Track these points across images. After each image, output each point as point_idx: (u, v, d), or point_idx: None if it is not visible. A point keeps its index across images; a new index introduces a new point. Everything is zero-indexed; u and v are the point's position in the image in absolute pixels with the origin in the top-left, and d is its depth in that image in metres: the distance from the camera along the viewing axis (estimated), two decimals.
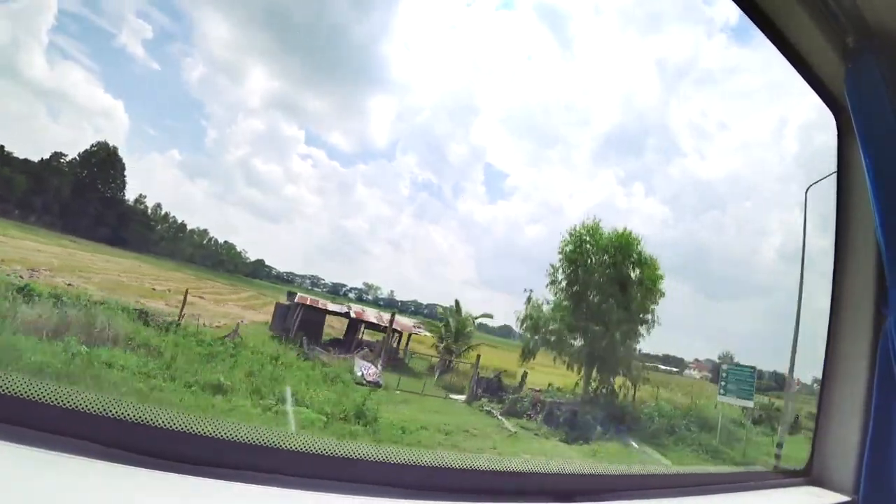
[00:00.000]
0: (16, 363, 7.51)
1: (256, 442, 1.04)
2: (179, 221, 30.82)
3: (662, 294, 17.24)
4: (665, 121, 35.77)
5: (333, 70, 34.05)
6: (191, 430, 1.00)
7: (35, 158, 24.12)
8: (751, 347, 27.68)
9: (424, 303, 27.17)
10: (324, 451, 1.11)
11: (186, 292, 15.20)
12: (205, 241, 31.86)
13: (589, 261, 17.35)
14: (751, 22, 1.74)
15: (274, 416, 9.48)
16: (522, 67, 37.23)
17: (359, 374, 14.20)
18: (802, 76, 1.95)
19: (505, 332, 24.85)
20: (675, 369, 27.70)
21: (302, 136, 36.89)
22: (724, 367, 16.95)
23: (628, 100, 37.02)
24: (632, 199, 33.69)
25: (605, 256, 17.23)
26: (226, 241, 32.82)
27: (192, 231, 31.55)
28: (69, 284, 14.02)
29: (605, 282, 17.01)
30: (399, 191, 34.31)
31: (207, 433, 1.01)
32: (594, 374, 17.00)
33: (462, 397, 15.55)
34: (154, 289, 17.51)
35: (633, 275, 17.20)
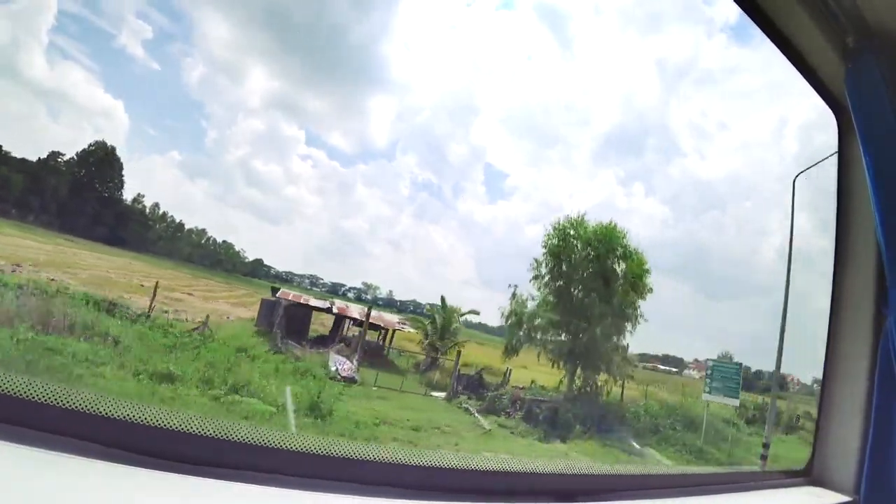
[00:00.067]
0: None
1: (256, 442, 1.04)
2: (178, 221, 30.86)
3: (650, 289, 16.89)
4: (665, 121, 35.89)
5: (333, 70, 34.09)
6: (191, 430, 1.00)
7: (33, 158, 24.11)
8: (751, 347, 27.74)
9: (423, 302, 27.18)
10: (324, 451, 1.11)
11: (156, 285, 15.16)
12: (203, 241, 31.88)
13: (573, 255, 16.96)
14: (751, 22, 1.74)
15: (219, 405, 9.45)
16: (522, 67, 37.37)
17: (333, 368, 14.00)
18: (803, 76, 1.95)
19: (501, 330, 24.90)
20: (674, 369, 27.74)
21: (302, 136, 36.96)
22: (709, 363, 16.46)
23: (628, 100, 37.14)
24: (632, 199, 33.82)
25: (589, 250, 16.82)
26: (224, 241, 32.89)
27: (191, 231, 31.60)
28: (52, 279, 14.01)
29: (589, 276, 16.64)
30: (399, 191, 34.37)
31: (207, 433, 1.01)
32: (578, 370, 16.66)
33: (443, 394, 15.33)
34: (142, 285, 17.49)
35: (618, 269, 16.87)
